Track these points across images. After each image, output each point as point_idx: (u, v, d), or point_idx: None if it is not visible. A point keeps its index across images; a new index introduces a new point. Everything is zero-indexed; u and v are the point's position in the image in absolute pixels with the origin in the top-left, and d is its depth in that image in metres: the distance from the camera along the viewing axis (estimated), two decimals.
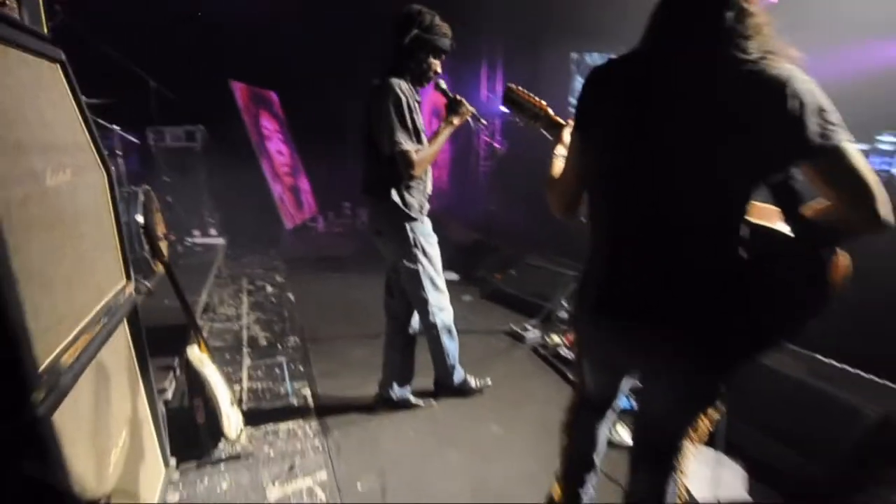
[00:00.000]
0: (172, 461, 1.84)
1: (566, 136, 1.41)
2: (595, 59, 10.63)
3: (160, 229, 3.66)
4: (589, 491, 1.55)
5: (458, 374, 2.44)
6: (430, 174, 2.18)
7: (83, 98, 1.38)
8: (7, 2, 1.15)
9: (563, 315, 3.47)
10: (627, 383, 1.38)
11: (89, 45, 3.26)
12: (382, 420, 2.29)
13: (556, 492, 1.70)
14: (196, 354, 1.91)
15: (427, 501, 1.81)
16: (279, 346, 3.04)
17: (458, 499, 1.82)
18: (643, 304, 1.06)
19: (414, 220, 2.09)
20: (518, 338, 3.18)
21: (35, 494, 0.89)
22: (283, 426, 2.21)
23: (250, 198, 5.22)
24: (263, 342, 3.10)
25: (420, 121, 2.05)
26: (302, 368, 2.76)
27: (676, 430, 1.18)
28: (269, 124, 5.90)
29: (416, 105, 2.04)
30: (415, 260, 2.13)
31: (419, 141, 2.03)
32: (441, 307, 2.25)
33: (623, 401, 1.45)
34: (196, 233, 4.71)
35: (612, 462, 1.80)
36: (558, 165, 1.33)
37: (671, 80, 0.97)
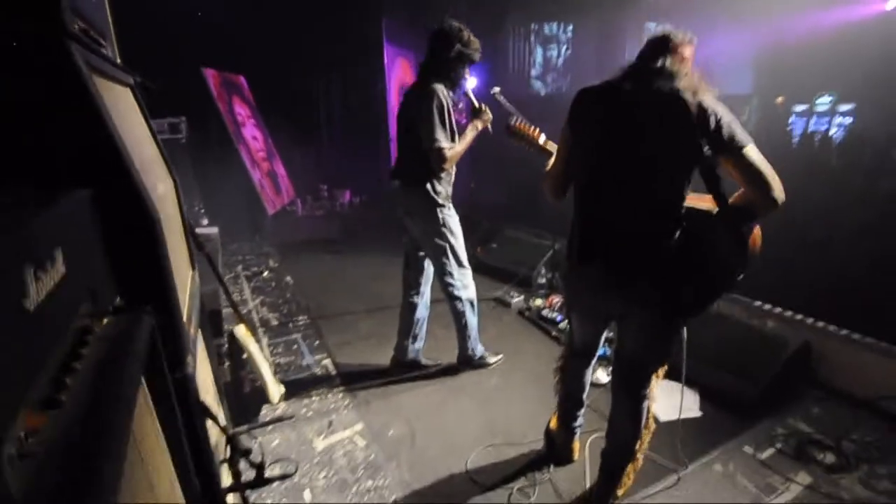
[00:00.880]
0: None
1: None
2: (553, 28, 10.89)
3: None
4: (579, 421, 1.98)
5: (479, 349, 2.74)
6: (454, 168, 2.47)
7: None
8: (104, 42, 1.35)
9: (542, 280, 3.90)
10: (605, 333, 1.79)
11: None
12: (401, 380, 2.64)
13: (554, 424, 2.12)
14: (242, 333, 2.18)
15: (449, 441, 2.20)
16: (291, 325, 3.32)
17: (475, 436, 2.22)
18: (611, 255, 1.47)
19: (443, 205, 2.41)
20: (505, 304, 3.58)
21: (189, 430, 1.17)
22: (315, 392, 2.54)
23: (232, 186, 5.31)
24: (275, 322, 3.37)
25: (453, 122, 2.33)
26: (318, 342, 3.06)
27: (645, 363, 1.59)
28: (241, 110, 5.92)
29: (452, 108, 2.34)
30: (445, 239, 2.44)
31: (454, 140, 2.33)
32: (465, 283, 2.57)
33: (601, 349, 1.87)
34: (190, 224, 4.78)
35: (593, 397, 2.23)
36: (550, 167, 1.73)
37: (633, 102, 1.39)
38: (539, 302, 3.48)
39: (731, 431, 2.18)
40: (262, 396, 2.23)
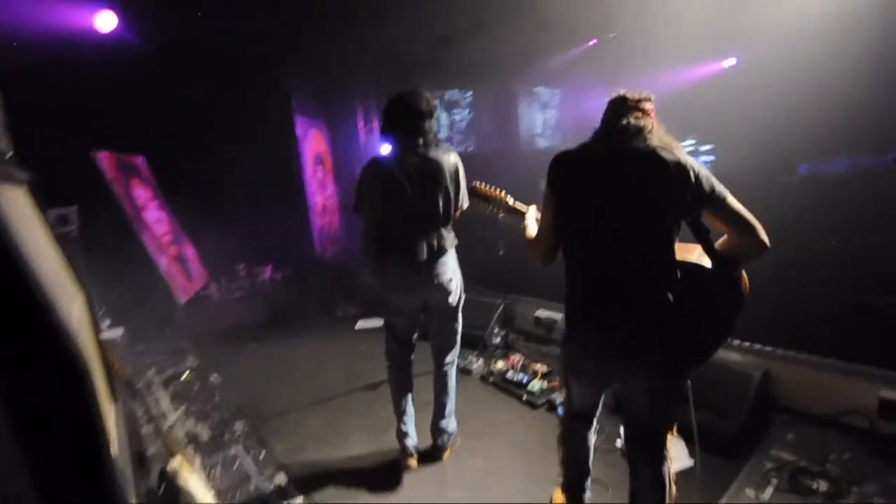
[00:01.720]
0: None
1: (529, 216, 1.77)
2: (454, 94, 11.60)
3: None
4: (587, 492, 1.82)
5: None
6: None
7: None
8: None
9: (496, 340, 3.78)
10: (604, 395, 1.70)
11: None
12: (370, 482, 2.30)
13: (559, 499, 1.94)
14: (179, 467, 1.76)
15: None
16: (227, 437, 2.81)
17: None
18: (616, 320, 1.40)
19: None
20: (465, 371, 3.38)
21: None
22: None
23: (135, 277, 4.67)
24: (206, 436, 2.84)
25: None
26: (263, 453, 2.61)
27: (658, 422, 1.50)
28: (141, 192, 5.35)
29: None
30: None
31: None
32: None
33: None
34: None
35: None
36: (530, 230, 1.71)
37: (613, 164, 1.39)
38: (501, 364, 3.33)
39: (725, 475, 2.14)
40: None
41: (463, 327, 3.90)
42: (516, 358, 3.38)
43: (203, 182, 6.71)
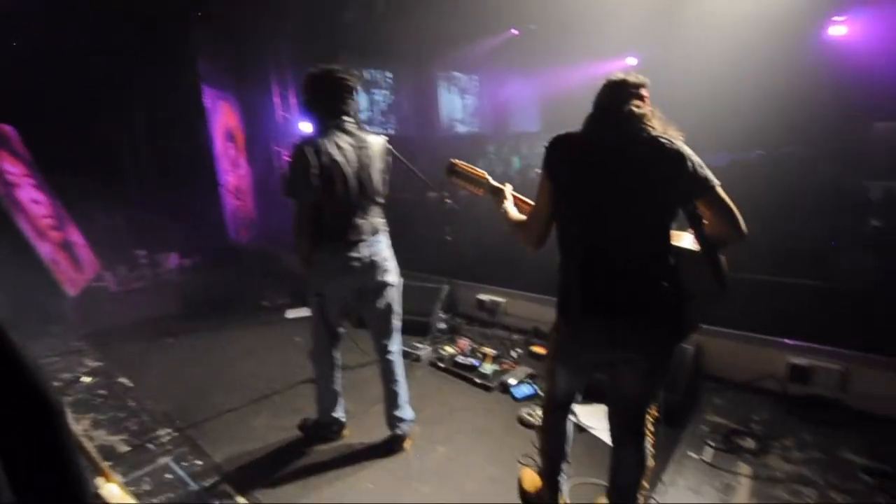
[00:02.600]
0: None
1: (507, 198, 1.71)
2: (373, 74, 11.27)
3: None
4: (564, 477, 1.85)
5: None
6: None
7: None
8: None
9: (442, 326, 3.75)
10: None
11: None
12: (331, 480, 2.16)
13: (533, 483, 1.96)
14: (115, 493, 1.49)
15: None
16: (151, 447, 2.48)
17: None
18: (616, 304, 1.42)
19: None
20: (413, 357, 3.31)
21: None
22: None
23: (10, 268, 3.92)
24: (125, 448, 2.48)
25: None
26: (200, 463, 2.34)
27: (644, 403, 1.56)
28: (13, 168, 4.48)
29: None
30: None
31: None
32: None
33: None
34: None
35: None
36: (514, 214, 1.65)
37: (615, 150, 1.38)
38: (450, 349, 3.31)
39: (670, 440, 2.31)
40: None
41: (408, 314, 3.83)
42: (464, 342, 3.38)
43: (89, 157, 5.82)
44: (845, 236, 4.84)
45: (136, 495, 2.07)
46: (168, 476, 2.24)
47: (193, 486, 2.17)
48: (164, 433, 2.59)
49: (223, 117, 7.30)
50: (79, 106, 5.29)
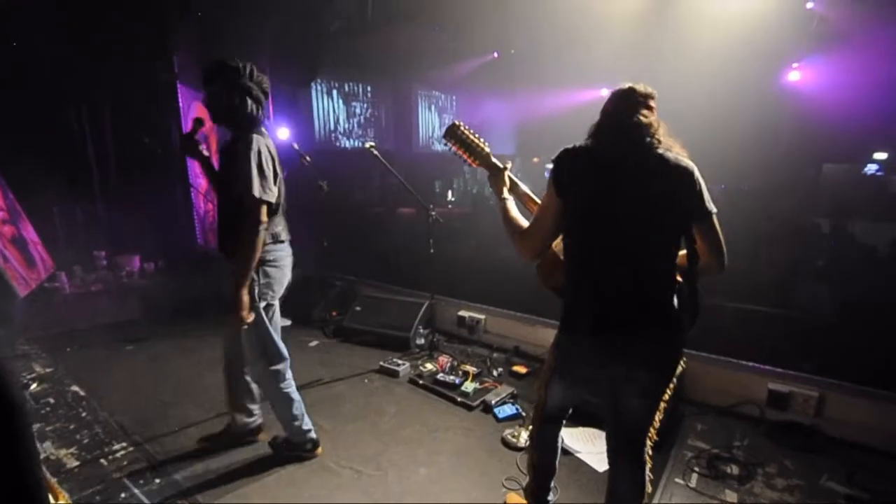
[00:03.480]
0: None
1: (507, 173, 1.69)
2: (353, 86, 11.25)
3: None
4: (551, 492, 1.80)
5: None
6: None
7: None
8: None
9: (420, 341, 3.66)
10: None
11: None
12: (303, 497, 2.01)
13: (515, 501, 1.88)
14: None
15: None
16: (105, 462, 2.26)
17: None
18: (625, 322, 1.37)
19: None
20: (392, 374, 3.19)
21: None
22: None
23: None
24: (75, 463, 2.25)
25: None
26: (158, 482, 2.14)
27: (646, 424, 1.51)
28: None
29: None
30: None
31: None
32: None
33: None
34: None
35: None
36: (515, 213, 1.59)
37: (627, 166, 1.35)
38: (430, 366, 3.21)
39: (655, 464, 2.28)
40: None
41: (387, 329, 3.72)
42: (444, 359, 3.29)
43: (48, 150, 5.51)
44: (803, 268, 5.06)
45: None
46: (123, 495, 2.04)
47: None
48: (120, 447, 2.38)
49: (197, 116, 7.08)
50: (38, 95, 5.01)
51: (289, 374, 2.22)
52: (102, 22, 5.14)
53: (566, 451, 2.34)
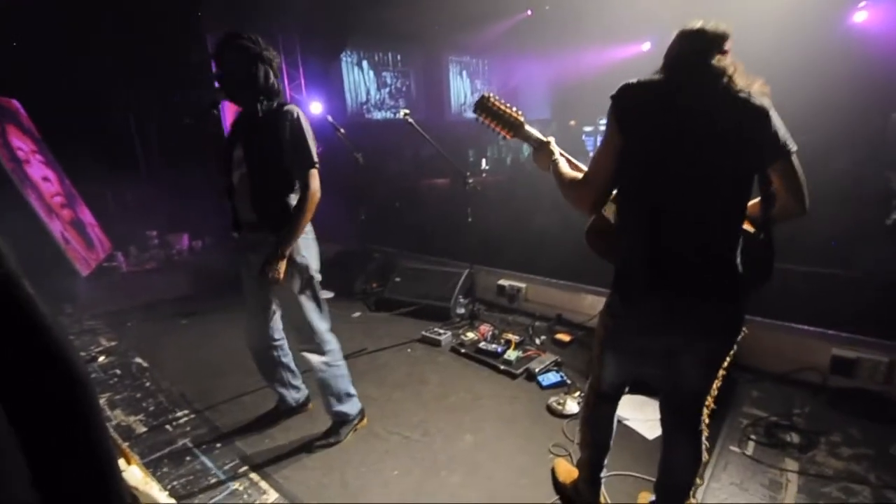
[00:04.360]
0: None
1: (553, 147, 1.54)
2: (383, 55, 11.06)
3: None
4: (604, 470, 1.75)
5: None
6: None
7: None
8: None
9: (461, 311, 3.66)
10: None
11: None
12: (356, 465, 2.08)
13: (569, 475, 1.86)
14: (137, 480, 1.41)
15: None
16: (170, 429, 2.41)
17: None
18: (686, 282, 1.27)
19: None
20: (434, 343, 3.21)
21: None
22: None
23: (19, 245, 3.84)
24: (143, 429, 2.41)
25: None
26: (219, 446, 2.26)
27: (705, 392, 1.44)
28: (22, 144, 4.39)
29: None
30: None
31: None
32: None
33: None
34: None
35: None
36: (568, 171, 1.47)
37: (692, 101, 1.22)
38: (472, 335, 3.21)
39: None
40: None
41: (427, 299, 3.72)
42: (486, 328, 3.28)
43: (101, 135, 5.74)
44: (868, 228, 4.69)
45: (157, 477, 2.00)
46: (187, 458, 2.18)
47: (214, 469, 2.10)
48: (182, 415, 2.53)
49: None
50: (87, 80, 5.18)
51: (336, 345, 2.23)
52: (138, 8, 5.22)
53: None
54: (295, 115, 1.93)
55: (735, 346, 1.38)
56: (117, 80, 5.63)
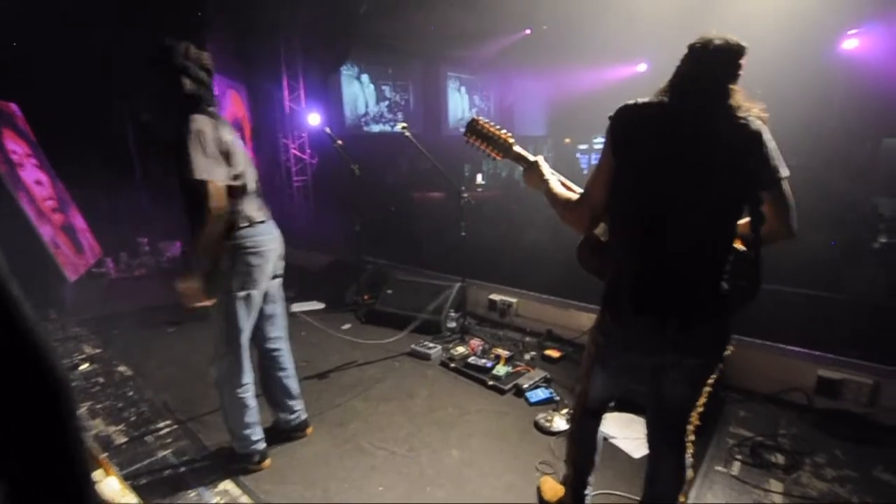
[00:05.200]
0: None
1: (543, 167, 1.56)
2: (382, 69, 11.18)
3: None
4: (589, 487, 1.74)
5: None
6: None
7: None
8: None
9: (452, 325, 3.65)
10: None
11: None
12: (340, 480, 2.05)
13: (554, 493, 1.85)
14: (114, 488, 1.39)
15: None
16: (151, 440, 2.37)
17: None
18: (674, 301, 1.28)
19: None
20: (423, 357, 3.20)
21: None
22: None
23: (9, 248, 3.80)
24: (122, 439, 2.37)
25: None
26: (202, 460, 2.22)
27: (690, 408, 1.45)
28: (17, 147, 4.38)
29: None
30: None
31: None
32: None
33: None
34: None
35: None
36: (559, 189, 1.49)
37: (688, 128, 1.23)
38: (461, 349, 3.20)
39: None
40: None
41: (418, 312, 3.71)
42: (476, 342, 3.28)
43: (95, 140, 5.74)
44: (857, 250, 4.77)
45: (135, 490, 1.96)
46: (167, 471, 2.13)
47: (194, 482, 2.06)
48: (164, 425, 2.49)
49: (231, 106, 7.20)
50: (83, 86, 5.19)
51: (247, 378, 2.06)
52: (137, 15, 5.26)
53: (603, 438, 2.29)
54: (186, 124, 1.77)
55: (721, 363, 1.39)
56: (115, 87, 5.65)
